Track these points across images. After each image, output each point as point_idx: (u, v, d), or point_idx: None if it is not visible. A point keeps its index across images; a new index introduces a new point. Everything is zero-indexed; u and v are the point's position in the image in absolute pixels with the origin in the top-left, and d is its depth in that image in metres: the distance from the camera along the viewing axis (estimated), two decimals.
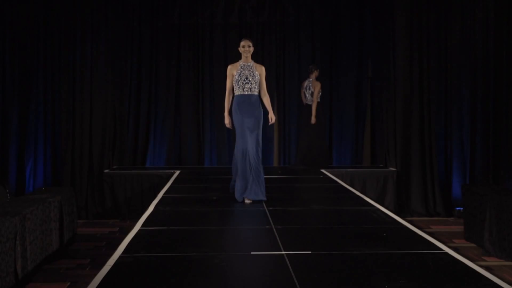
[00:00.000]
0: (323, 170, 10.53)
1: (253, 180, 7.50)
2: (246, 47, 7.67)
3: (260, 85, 7.73)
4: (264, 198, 7.47)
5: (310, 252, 5.16)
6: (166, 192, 8.33)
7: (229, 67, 7.79)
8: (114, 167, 11.18)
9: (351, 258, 4.96)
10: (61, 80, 10.89)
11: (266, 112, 7.71)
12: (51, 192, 8.17)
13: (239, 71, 7.68)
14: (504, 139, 10.50)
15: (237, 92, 7.71)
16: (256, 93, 7.69)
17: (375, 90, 11.67)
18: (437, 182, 10.69)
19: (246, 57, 7.71)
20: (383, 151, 11.19)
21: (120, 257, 4.97)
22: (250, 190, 7.48)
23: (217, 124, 11.71)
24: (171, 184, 9.17)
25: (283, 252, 5.14)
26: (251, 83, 7.64)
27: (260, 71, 7.73)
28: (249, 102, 7.61)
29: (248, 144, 7.54)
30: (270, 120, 7.68)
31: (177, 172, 10.51)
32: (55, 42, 10.90)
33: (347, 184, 9.56)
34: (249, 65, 7.70)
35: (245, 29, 11.73)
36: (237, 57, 11.65)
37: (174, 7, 11.65)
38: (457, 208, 10.45)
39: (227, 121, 7.76)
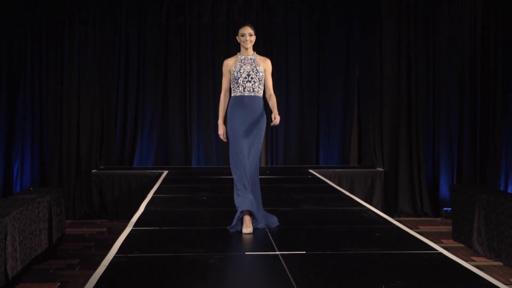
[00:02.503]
0: (311, 170, 10.56)
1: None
2: (246, 36, 6.10)
3: (265, 84, 6.13)
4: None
5: (304, 252, 5.17)
6: (155, 192, 8.31)
7: (225, 62, 6.17)
8: (102, 167, 11.14)
9: (346, 258, 4.97)
10: (49, 79, 10.82)
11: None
12: (39, 192, 8.13)
13: (238, 65, 6.07)
14: (491, 140, 10.59)
15: (235, 93, 6.10)
16: (259, 94, 6.08)
17: (362, 90, 11.70)
18: (424, 183, 10.75)
19: (247, 48, 6.12)
20: (371, 151, 11.21)
21: (114, 257, 4.95)
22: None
23: (204, 124, 11.69)
24: (160, 184, 9.14)
25: (278, 252, 5.15)
26: (253, 81, 6.03)
27: (265, 66, 6.13)
28: (250, 106, 6.01)
29: (246, 160, 5.96)
30: (273, 119, 5.94)
31: (165, 172, 10.48)
32: (43, 41, 10.82)
33: (335, 184, 9.58)
34: (250, 59, 6.13)
35: (233, 29, 11.71)
36: (225, 57, 11.77)
37: (161, 7, 11.61)
38: (445, 209, 10.51)
39: (221, 131, 6.11)
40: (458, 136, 10.81)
